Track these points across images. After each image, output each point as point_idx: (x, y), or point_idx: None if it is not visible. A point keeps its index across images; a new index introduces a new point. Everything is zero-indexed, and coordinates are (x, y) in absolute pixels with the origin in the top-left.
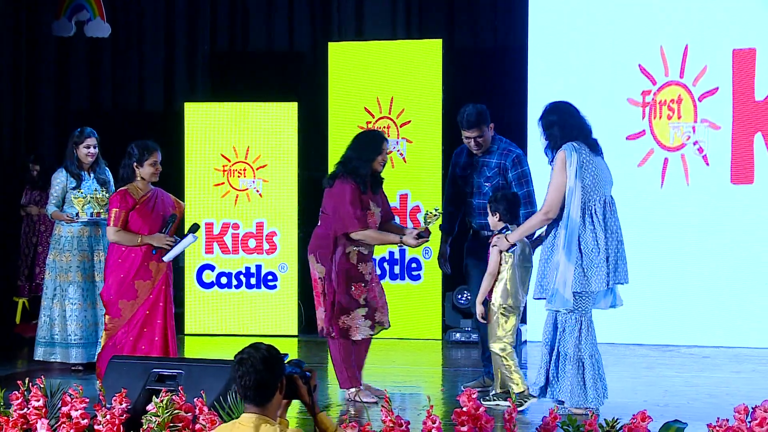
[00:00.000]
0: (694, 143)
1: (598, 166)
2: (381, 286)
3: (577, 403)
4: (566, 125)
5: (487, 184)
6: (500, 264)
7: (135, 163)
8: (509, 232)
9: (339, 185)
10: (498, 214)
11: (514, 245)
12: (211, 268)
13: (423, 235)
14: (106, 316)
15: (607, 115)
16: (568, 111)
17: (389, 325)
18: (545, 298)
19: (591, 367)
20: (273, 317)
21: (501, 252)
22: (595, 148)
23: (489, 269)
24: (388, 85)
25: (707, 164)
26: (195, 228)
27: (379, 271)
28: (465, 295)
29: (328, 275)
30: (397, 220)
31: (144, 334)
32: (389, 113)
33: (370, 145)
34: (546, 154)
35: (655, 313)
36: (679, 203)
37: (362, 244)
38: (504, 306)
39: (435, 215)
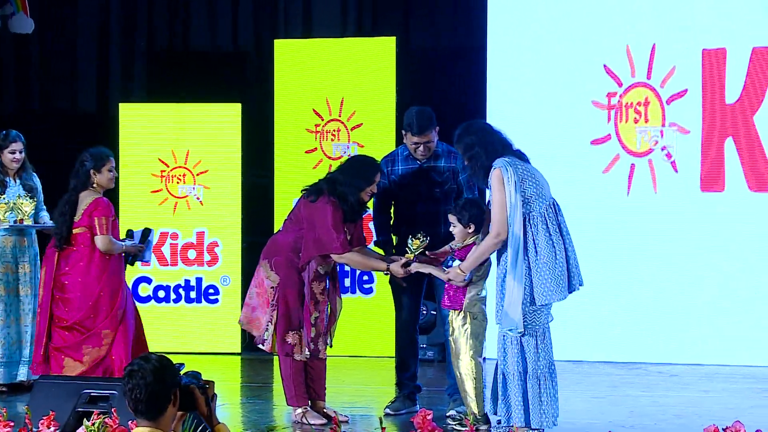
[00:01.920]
0: (662, 148)
1: (534, 173)
2: (335, 313)
3: (519, 423)
4: (487, 143)
5: (437, 190)
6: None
7: (92, 170)
8: (455, 261)
9: (322, 203)
10: (473, 226)
11: (470, 273)
12: (148, 281)
13: (410, 264)
14: (88, 348)
15: (570, 118)
16: (483, 129)
17: (326, 356)
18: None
19: (540, 386)
20: (214, 333)
21: (463, 280)
22: (522, 157)
23: (461, 284)
24: (339, 85)
25: (676, 171)
26: (148, 232)
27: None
28: (425, 311)
29: (282, 286)
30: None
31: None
32: (339, 115)
33: (362, 174)
34: (471, 180)
35: (620, 329)
36: (647, 212)
37: (323, 264)
38: (481, 314)
39: (422, 242)
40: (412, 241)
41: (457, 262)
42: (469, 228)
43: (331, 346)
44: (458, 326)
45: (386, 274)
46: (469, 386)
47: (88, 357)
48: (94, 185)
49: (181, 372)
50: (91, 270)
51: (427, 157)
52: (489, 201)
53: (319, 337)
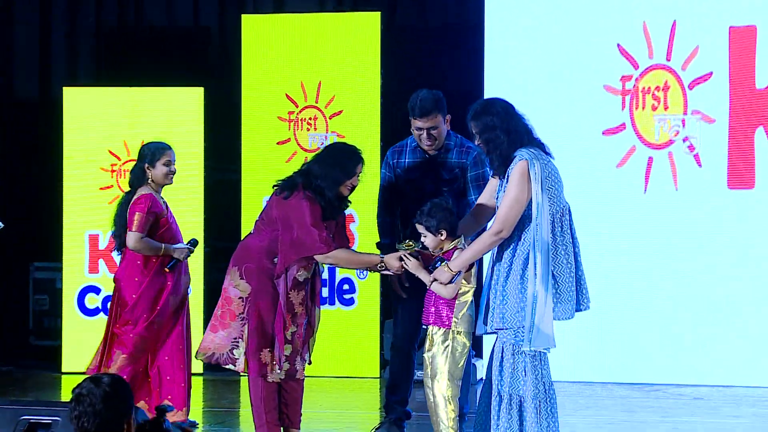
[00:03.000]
0: (684, 139)
1: (556, 172)
2: (312, 326)
3: None
4: (510, 127)
5: (445, 189)
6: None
7: (146, 164)
8: (443, 262)
9: (297, 200)
10: (444, 232)
11: (458, 273)
12: (96, 290)
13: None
14: (118, 354)
15: (579, 105)
16: (507, 110)
17: (303, 376)
18: (497, 331)
19: (540, 408)
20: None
21: (450, 281)
22: (545, 150)
23: (447, 295)
24: (315, 67)
25: (699, 165)
26: (194, 243)
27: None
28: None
29: (254, 296)
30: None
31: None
32: (316, 101)
33: (340, 165)
34: (486, 162)
35: (635, 346)
36: (666, 212)
37: (300, 269)
38: (462, 335)
39: (412, 246)
40: (400, 244)
41: (444, 264)
42: (441, 234)
43: (309, 363)
44: (438, 342)
45: (380, 270)
46: (443, 413)
47: (115, 365)
48: (150, 181)
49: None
50: (133, 272)
51: (436, 149)
52: (497, 194)
53: (296, 354)
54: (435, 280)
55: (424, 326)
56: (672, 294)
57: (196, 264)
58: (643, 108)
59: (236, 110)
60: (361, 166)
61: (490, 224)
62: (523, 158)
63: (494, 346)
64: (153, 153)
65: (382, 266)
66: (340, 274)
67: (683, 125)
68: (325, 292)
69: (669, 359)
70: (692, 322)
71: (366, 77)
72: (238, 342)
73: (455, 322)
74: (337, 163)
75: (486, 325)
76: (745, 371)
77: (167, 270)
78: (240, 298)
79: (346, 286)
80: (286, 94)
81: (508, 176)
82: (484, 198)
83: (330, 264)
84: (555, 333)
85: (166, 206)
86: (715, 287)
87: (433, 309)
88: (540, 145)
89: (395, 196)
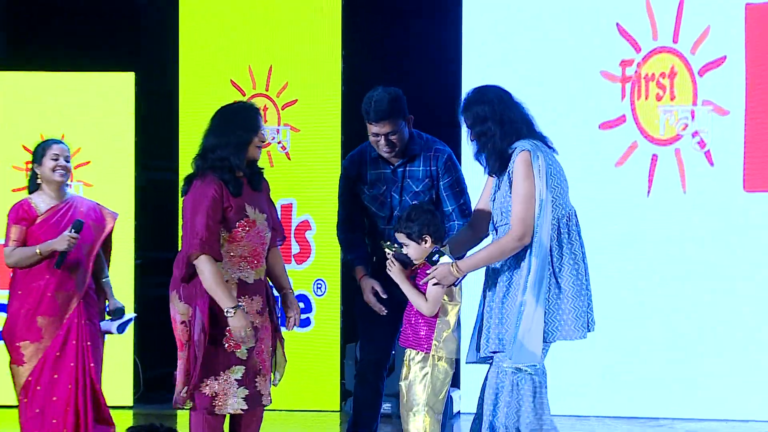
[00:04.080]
0: (694, 134)
1: (560, 169)
2: (278, 336)
3: None
4: (505, 118)
5: (416, 203)
6: (445, 298)
7: (35, 165)
8: (443, 256)
9: (198, 188)
10: (428, 238)
11: (462, 277)
12: (1, 308)
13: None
14: (12, 366)
15: (572, 94)
16: (502, 99)
17: (270, 401)
18: (492, 354)
19: None
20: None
21: (445, 286)
22: (546, 143)
23: (427, 311)
24: (265, 49)
25: (711, 164)
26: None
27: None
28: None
29: (194, 317)
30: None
31: (56, 382)
32: (266, 89)
33: (240, 123)
34: (478, 161)
35: (639, 375)
36: (673, 218)
37: (244, 267)
38: (448, 358)
39: (397, 249)
40: (383, 244)
41: (445, 259)
42: (424, 242)
43: (275, 385)
44: (416, 369)
45: (229, 315)
46: None
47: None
48: (42, 182)
49: None
50: (12, 283)
51: (397, 155)
52: (493, 195)
53: (255, 375)
54: (434, 281)
55: (401, 348)
56: (678, 312)
57: (123, 277)
58: (646, 98)
59: (172, 99)
60: (260, 118)
61: (497, 230)
62: (525, 149)
63: (488, 373)
64: (38, 151)
65: (230, 314)
66: (294, 290)
67: (692, 118)
68: (277, 311)
69: (675, 390)
70: (700, 346)
71: (324, 60)
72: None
73: (436, 345)
74: (234, 123)
75: (479, 351)
76: (763, 405)
77: (56, 268)
78: (182, 323)
79: (300, 305)
80: (231, 81)
81: (509, 174)
82: (481, 207)
83: (200, 269)
84: (541, 349)
85: (69, 207)
86: (729, 307)
87: (410, 329)
88: (541, 139)
89: (357, 213)
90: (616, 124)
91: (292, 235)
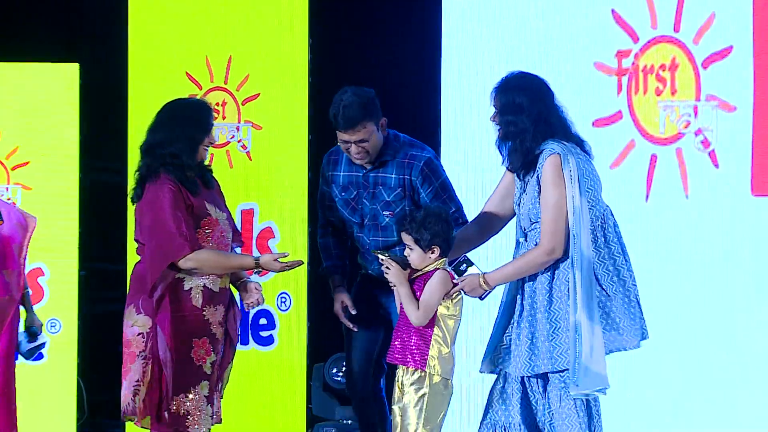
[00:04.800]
0: (697, 132)
1: (595, 172)
2: (233, 351)
3: None
4: (542, 117)
5: (387, 214)
6: (442, 309)
7: None
8: (471, 266)
9: (151, 191)
10: (437, 250)
11: (490, 290)
12: None
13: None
14: None
15: (563, 88)
16: (544, 95)
17: (221, 419)
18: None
19: None
20: (39, 403)
21: (449, 293)
22: (583, 147)
23: (416, 319)
24: (224, 37)
25: (716, 165)
26: None
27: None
28: (344, 368)
29: (154, 330)
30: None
31: None
32: (225, 82)
33: (193, 120)
34: (500, 151)
35: (637, 392)
36: (674, 225)
37: (207, 274)
38: (445, 379)
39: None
40: (376, 253)
41: (473, 269)
42: (431, 252)
43: (221, 397)
44: (411, 390)
45: (257, 272)
46: None
47: None
48: None
49: None
50: None
51: (370, 161)
52: (518, 199)
53: (214, 391)
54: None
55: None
56: (681, 330)
57: (66, 290)
58: (645, 92)
59: (121, 93)
60: (212, 118)
61: (526, 236)
62: (554, 152)
63: (497, 386)
64: None
65: (259, 269)
66: None
67: (695, 114)
68: None
69: (678, 402)
70: (706, 361)
71: (290, 49)
72: (138, 386)
73: (432, 361)
74: (186, 120)
75: (495, 365)
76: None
77: None
78: (139, 334)
79: (263, 320)
80: (187, 73)
81: (538, 178)
82: (494, 203)
83: (193, 270)
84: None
85: None
86: (736, 322)
87: (399, 342)
88: (579, 142)
89: (333, 214)
90: (611, 121)
91: (254, 244)
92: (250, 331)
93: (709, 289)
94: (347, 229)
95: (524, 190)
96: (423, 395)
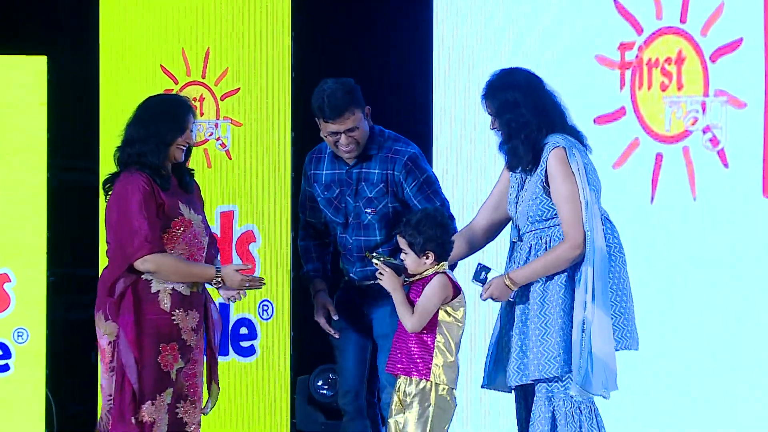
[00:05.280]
0: (705, 130)
1: (594, 167)
2: (214, 361)
3: None
4: (540, 106)
5: (369, 212)
6: (443, 315)
7: None
8: (490, 272)
9: (120, 187)
10: (431, 255)
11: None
12: None
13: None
14: None
15: (563, 83)
16: (534, 84)
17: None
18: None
19: None
20: (2, 417)
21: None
22: (581, 139)
23: (411, 326)
24: (202, 29)
25: (725, 165)
26: None
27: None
28: (330, 380)
29: (119, 337)
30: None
31: None
32: (203, 76)
33: (166, 116)
34: (502, 152)
35: (642, 397)
36: (681, 228)
37: (165, 280)
38: (449, 388)
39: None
40: (368, 255)
41: (493, 273)
42: (426, 257)
43: (205, 414)
44: (414, 402)
45: (216, 286)
46: None
47: None
48: None
49: None
50: None
51: (356, 156)
52: (516, 197)
53: (180, 399)
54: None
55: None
56: (687, 336)
57: (33, 297)
58: (649, 87)
59: (92, 87)
60: (193, 117)
61: (521, 238)
62: (558, 145)
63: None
64: None
65: (219, 282)
66: (236, 312)
67: (703, 111)
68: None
69: (683, 407)
70: (717, 368)
71: (271, 43)
72: (110, 399)
73: (437, 370)
74: (159, 117)
75: (491, 378)
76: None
77: None
78: (109, 343)
79: (243, 330)
80: (162, 66)
81: (542, 173)
82: (487, 211)
83: (150, 273)
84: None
85: None
86: (746, 328)
87: (400, 353)
88: (576, 134)
89: (314, 214)
90: (613, 118)
91: (233, 248)
92: (230, 341)
93: (718, 295)
94: (330, 231)
95: (522, 188)
96: (427, 407)
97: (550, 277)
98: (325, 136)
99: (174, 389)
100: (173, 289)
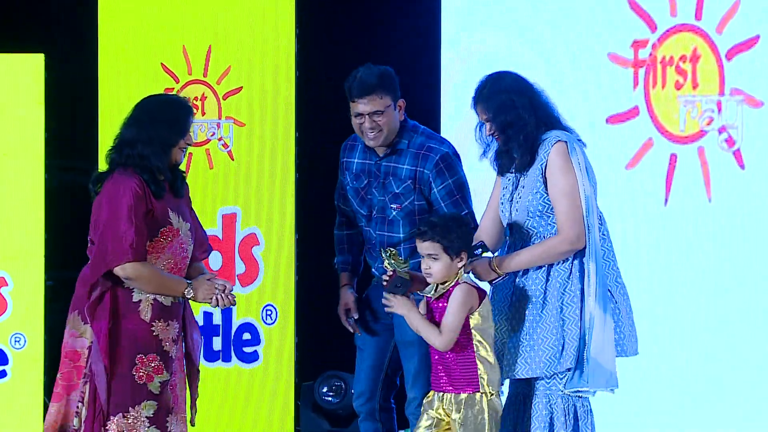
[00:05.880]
0: (720, 130)
1: (590, 164)
2: (195, 369)
3: None
4: (535, 104)
5: (394, 207)
6: (474, 321)
7: None
8: (486, 251)
9: (116, 183)
10: (465, 256)
11: (502, 276)
12: None
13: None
14: None
15: (575, 82)
16: (525, 85)
17: None
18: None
19: None
20: (1, 425)
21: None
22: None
23: (442, 345)
24: (203, 26)
25: (741, 166)
26: None
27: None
28: (336, 387)
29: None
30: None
31: None
32: (204, 74)
33: (168, 120)
34: (494, 160)
35: (655, 397)
36: (696, 231)
37: (139, 288)
38: (495, 397)
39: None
40: (386, 254)
41: (489, 255)
42: (460, 260)
43: (193, 425)
44: (463, 414)
45: (188, 297)
46: None
47: None
48: None
49: None
50: None
51: (385, 144)
52: (510, 195)
53: (166, 413)
54: (475, 275)
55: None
56: (707, 336)
57: (31, 302)
58: (663, 86)
59: (91, 86)
60: (192, 117)
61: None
62: (560, 139)
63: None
64: None
65: (190, 292)
66: (239, 317)
67: (719, 110)
68: (217, 343)
69: (697, 409)
70: (734, 373)
71: (275, 40)
72: (78, 407)
73: (482, 381)
74: (162, 119)
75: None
76: None
77: None
78: (87, 348)
79: (246, 335)
80: (162, 65)
81: (541, 168)
82: (489, 215)
83: (129, 281)
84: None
85: None
86: (763, 330)
87: (442, 371)
88: (570, 131)
89: (350, 204)
90: (626, 117)
91: (236, 252)
92: (233, 347)
93: (733, 299)
94: (358, 222)
95: (517, 187)
96: (480, 415)
97: (550, 272)
98: (353, 120)
99: (160, 403)
100: (155, 299)
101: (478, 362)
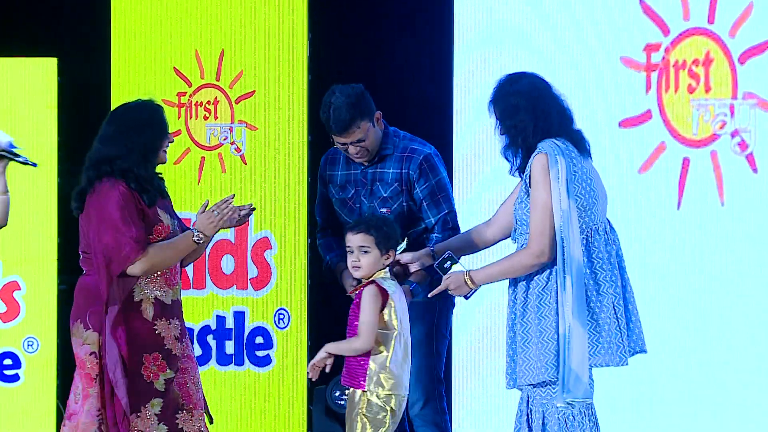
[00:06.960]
0: (733, 134)
1: (590, 174)
2: (196, 366)
3: None
4: (539, 111)
5: (384, 211)
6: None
7: None
8: (455, 263)
9: (99, 193)
10: (392, 254)
11: (476, 289)
12: None
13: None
14: None
15: (587, 85)
16: (538, 89)
17: None
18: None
19: None
20: (12, 428)
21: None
22: (582, 145)
23: (362, 346)
24: (216, 30)
25: (755, 170)
26: None
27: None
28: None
29: (104, 347)
30: None
31: None
32: (217, 78)
33: (147, 124)
34: (506, 158)
35: (666, 407)
36: (708, 236)
37: (161, 284)
38: (381, 399)
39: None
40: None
41: (458, 267)
42: (387, 257)
43: (212, 422)
44: (350, 408)
45: (201, 241)
46: None
47: None
48: None
49: None
50: None
51: (369, 159)
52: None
53: (175, 410)
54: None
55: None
56: (717, 343)
57: (44, 306)
58: (676, 90)
59: (104, 91)
60: (164, 115)
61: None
62: (542, 151)
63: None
64: None
65: (200, 235)
66: (251, 321)
67: (732, 114)
68: (230, 347)
69: (710, 419)
70: (743, 377)
71: (288, 45)
72: (101, 413)
73: (369, 380)
74: (140, 129)
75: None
76: None
77: None
78: (92, 354)
79: (259, 339)
80: (175, 68)
81: (526, 179)
82: (506, 205)
83: (148, 271)
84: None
85: None
86: None
87: (345, 366)
88: (576, 139)
89: (335, 217)
90: (639, 121)
91: (249, 256)
92: (245, 351)
93: (746, 303)
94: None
95: (524, 190)
96: (355, 415)
97: (529, 283)
98: (336, 145)
99: (165, 400)
100: (156, 298)
101: (371, 362)
